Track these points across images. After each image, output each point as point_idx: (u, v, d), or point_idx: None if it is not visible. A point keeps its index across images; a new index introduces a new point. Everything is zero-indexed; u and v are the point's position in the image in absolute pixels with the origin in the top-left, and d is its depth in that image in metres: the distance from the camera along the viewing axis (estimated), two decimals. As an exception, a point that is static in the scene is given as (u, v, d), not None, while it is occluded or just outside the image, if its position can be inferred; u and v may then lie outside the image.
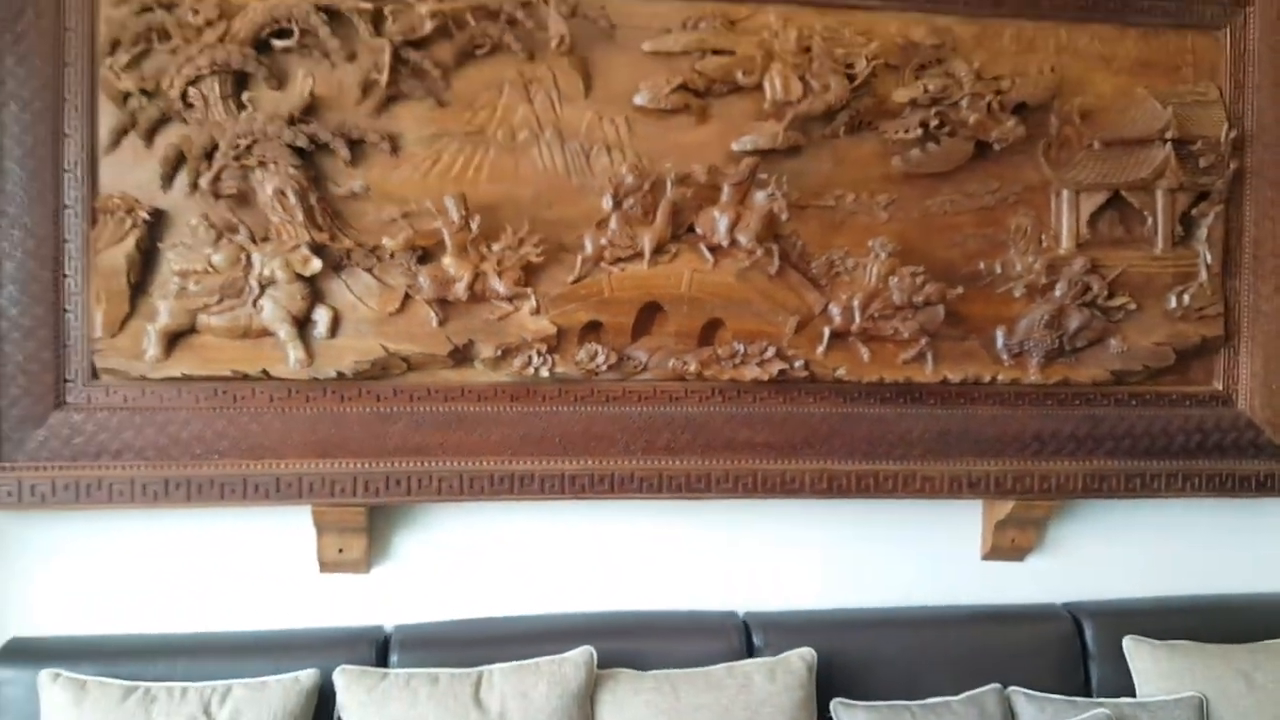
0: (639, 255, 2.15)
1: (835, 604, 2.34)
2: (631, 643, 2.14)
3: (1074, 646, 2.31)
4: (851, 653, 2.20)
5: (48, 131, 1.96)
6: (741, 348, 2.19)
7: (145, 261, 2.02)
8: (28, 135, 1.95)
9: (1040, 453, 2.30)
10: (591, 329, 2.16)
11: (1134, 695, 2.23)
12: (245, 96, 2.02)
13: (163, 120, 2.00)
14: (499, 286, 2.10)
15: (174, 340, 2.03)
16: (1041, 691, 2.21)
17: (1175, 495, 2.37)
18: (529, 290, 2.12)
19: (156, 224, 2.02)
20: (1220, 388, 2.41)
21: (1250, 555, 2.53)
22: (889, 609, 2.34)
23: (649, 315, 2.18)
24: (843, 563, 2.38)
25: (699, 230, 2.19)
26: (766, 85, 2.16)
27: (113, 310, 2.00)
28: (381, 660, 2.07)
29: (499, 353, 2.11)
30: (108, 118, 1.99)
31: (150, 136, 2.00)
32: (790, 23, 2.17)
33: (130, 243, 1.98)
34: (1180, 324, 2.36)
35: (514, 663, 1.95)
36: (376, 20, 2.03)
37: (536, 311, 2.12)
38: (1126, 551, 2.49)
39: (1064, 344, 2.30)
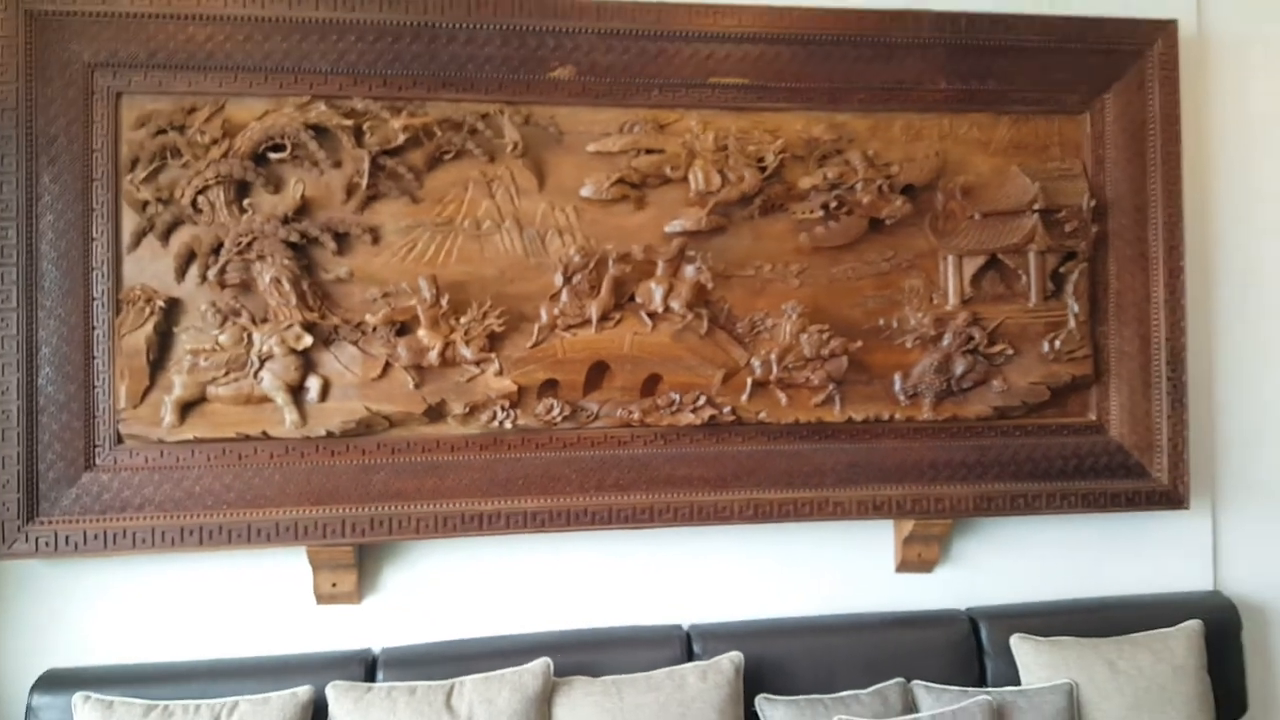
0: (587, 322, 2.51)
1: (766, 614, 2.67)
2: (589, 655, 2.46)
3: (971, 645, 2.66)
4: (778, 656, 2.53)
5: (78, 236, 2.31)
6: (677, 397, 2.56)
7: (162, 342, 2.36)
8: (62, 240, 2.30)
9: (935, 478, 2.66)
10: (548, 386, 2.52)
11: (1019, 684, 2.61)
12: (246, 201, 2.38)
13: (176, 223, 2.36)
14: (467, 353, 2.45)
15: (187, 409, 2.37)
16: (941, 684, 2.57)
17: (1055, 512, 2.73)
18: (493, 355, 2.47)
19: (171, 310, 2.36)
20: (1094, 418, 2.78)
21: (1122, 562, 2.88)
22: (812, 617, 2.67)
23: (598, 373, 2.54)
24: (773, 579, 2.72)
25: (638, 299, 2.55)
26: (691, 178, 2.54)
27: (134, 385, 2.33)
28: (370, 678, 2.38)
29: (468, 409, 2.47)
30: (129, 222, 2.34)
31: (166, 237, 2.36)
32: (709, 126, 2.56)
33: (149, 327, 2.33)
34: (1053, 365, 2.74)
35: (482, 674, 2.29)
36: (357, 134, 2.41)
37: (500, 373, 2.48)
38: (1020, 562, 2.83)
39: (952, 386, 2.68)
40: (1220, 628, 2.75)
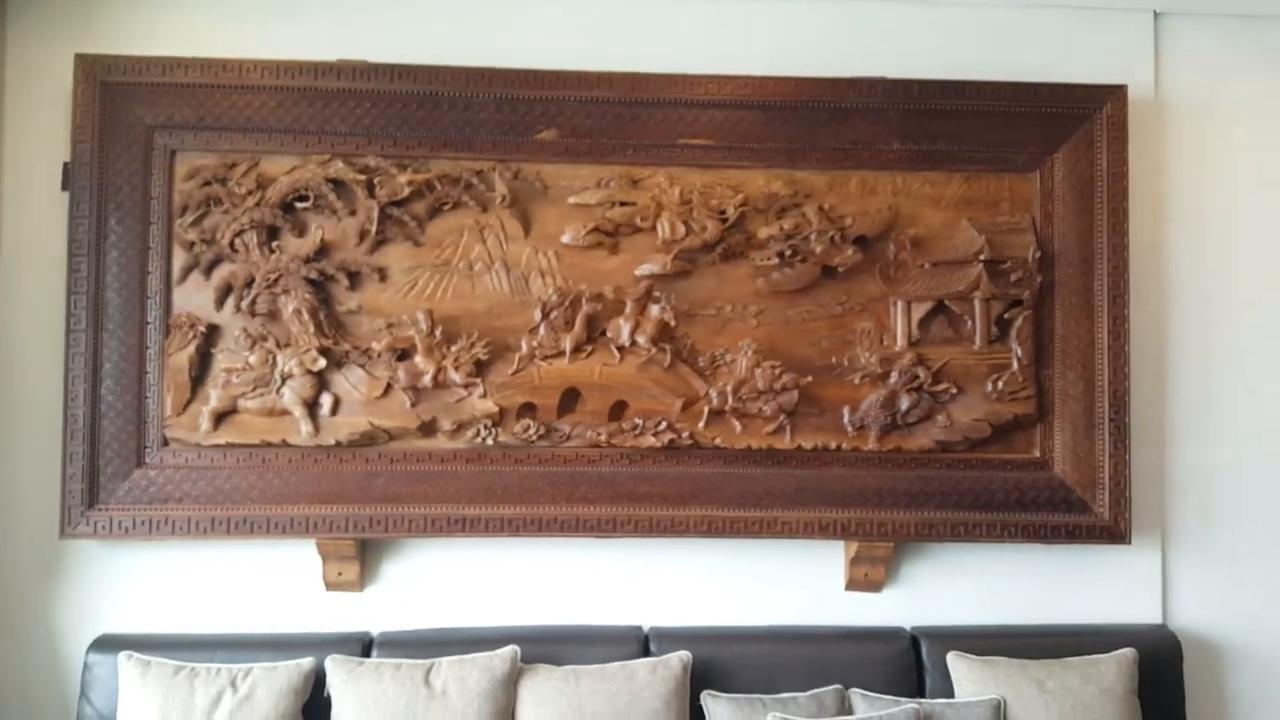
0: (562, 353, 2.85)
1: (720, 622, 2.93)
2: (556, 648, 2.75)
3: (910, 660, 2.85)
4: (727, 659, 2.78)
5: (137, 269, 2.76)
6: (641, 422, 2.86)
7: (202, 361, 2.78)
8: (123, 273, 2.75)
9: (879, 505, 2.89)
10: (527, 409, 2.85)
11: (953, 698, 2.82)
12: (275, 243, 2.79)
13: (217, 261, 2.79)
14: (456, 377, 2.81)
15: (221, 418, 2.78)
16: (880, 694, 2.81)
17: (996, 541, 2.91)
18: (479, 380, 2.82)
19: (211, 334, 2.79)
20: (1038, 455, 2.96)
21: (1071, 594, 3.01)
22: (761, 626, 2.93)
23: (571, 398, 2.86)
24: (729, 590, 2.97)
25: (609, 334, 2.87)
26: (658, 228, 2.86)
27: (178, 397, 2.76)
28: (366, 656, 2.72)
29: (456, 426, 2.82)
30: (178, 260, 2.78)
31: (208, 272, 2.79)
32: (676, 182, 2.88)
33: (192, 348, 2.76)
34: (996, 405, 2.94)
35: (456, 656, 2.63)
36: (370, 187, 2.80)
37: (484, 396, 2.83)
38: (970, 588, 3.00)
39: (898, 420, 2.92)
40: (1160, 659, 2.89)
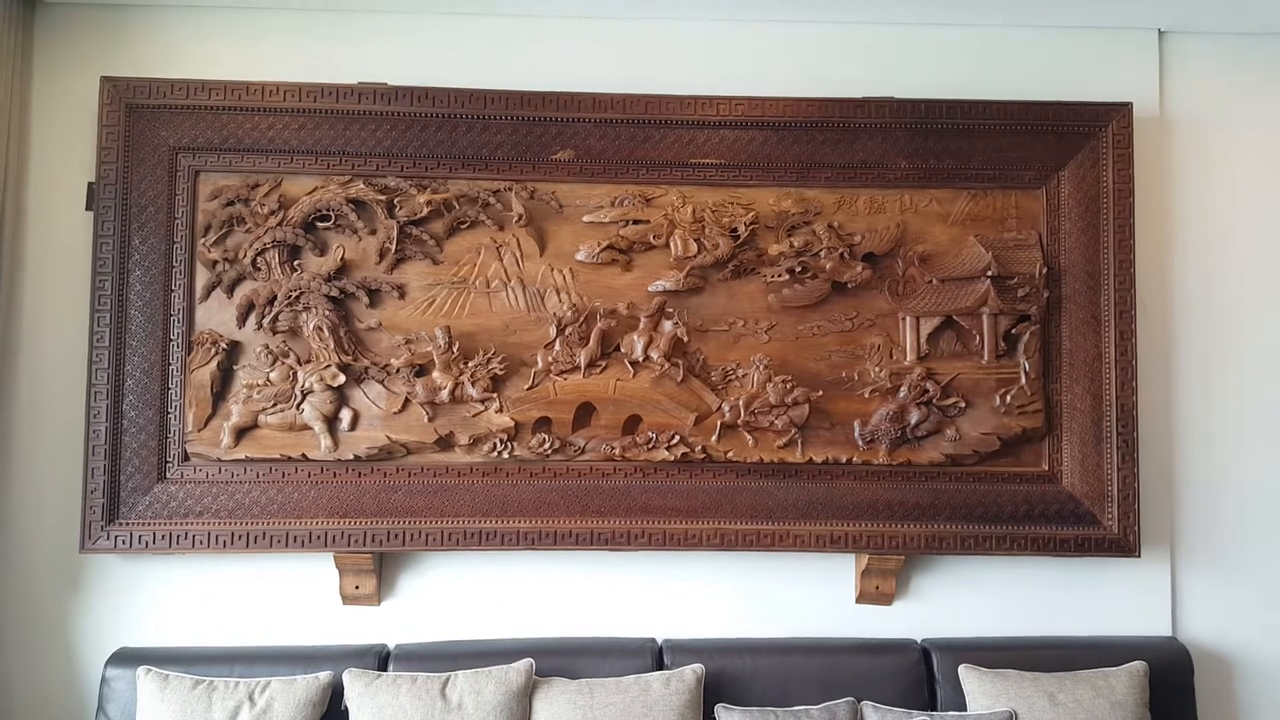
0: (577, 369, 2.90)
1: (733, 634, 2.95)
2: (571, 660, 2.78)
3: (922, 672, 2.88)
4: (740, 671, 2.82)
5: (160, 288, 2.81)
6: (655, 436, 2.91)
7: (224, 378, 2.83)
8: (146, 290, 2.80)
9: (890, 517, 2.92)
10: (542, 423, 2.89)
11: (965, 711, 2.84)
12: (296, 262, 2.85)
13: (239, 279, 2.84)
14: (473, 392, 2.86)
15: (241, 433, 2.83)
16: (892, 706, 2.82)
17: (1005, 554, 2.94)
18: (495, 395, 2.87)
19: (233, 351, 2.84)
20: (1046, 468, 2.99)
21: (1081, 606, 3.04)
22: (773, 639, 2.95)
23: (585, 413, 2.91)
24: (742, 603, 3.00)
25: (622, 350, 2.92)
26: (671, 245, 2.92)
27: (200, 412, 2.81)
28: (383, 669, 2.75)
29: (472, 441, 2.87)
30: (201, 278, 2.84)
31: (230, 290, 2.84)
32: (688, 200, 2.94)
33: (214, 365, 2.80)
34: (1004, 418, 2.98)
35: (473, 669, 2.65)
36: (389, 207, 2.86)
37: (500, 410, 2.87)
38: (974, 599, 3.04)
39: (907, 433, 2.96)
40: (1171, 671, 2.91)
